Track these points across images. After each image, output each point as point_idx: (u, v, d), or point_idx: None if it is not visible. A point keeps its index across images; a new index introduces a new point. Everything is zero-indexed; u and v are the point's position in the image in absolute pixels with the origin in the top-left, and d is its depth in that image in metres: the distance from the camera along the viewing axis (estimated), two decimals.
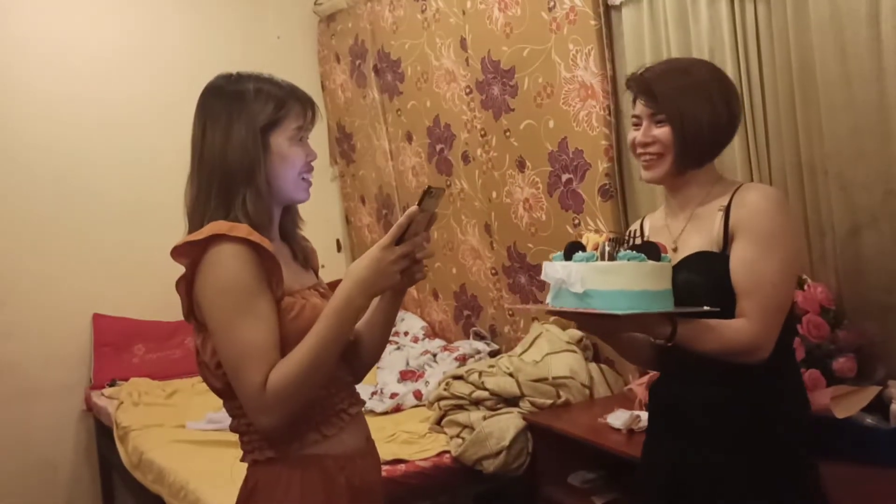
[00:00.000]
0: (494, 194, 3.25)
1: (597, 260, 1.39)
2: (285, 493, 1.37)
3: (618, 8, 2.61)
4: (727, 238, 1.52)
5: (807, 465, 1.56)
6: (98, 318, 3.95)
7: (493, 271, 3.35)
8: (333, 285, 1.39)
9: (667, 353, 1.56)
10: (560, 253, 1.43)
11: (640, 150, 1.60)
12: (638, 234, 1.53)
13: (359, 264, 1.33)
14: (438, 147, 3.58)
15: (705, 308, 1.43)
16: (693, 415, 1.55)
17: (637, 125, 1.61)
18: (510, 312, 3.33)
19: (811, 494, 1.54)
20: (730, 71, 2.23)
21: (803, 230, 2.17)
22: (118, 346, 3.93)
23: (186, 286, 1.35)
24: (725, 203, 1.54)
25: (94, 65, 3.97)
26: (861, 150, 1.97)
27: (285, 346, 1.32)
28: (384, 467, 2.47)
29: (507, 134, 3.12)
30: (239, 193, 1.36)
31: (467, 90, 3.29)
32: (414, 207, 1.31)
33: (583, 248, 1.44)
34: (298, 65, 4.38)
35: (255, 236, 1.31)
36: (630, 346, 1.66)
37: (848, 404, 1.90)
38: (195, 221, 1.38)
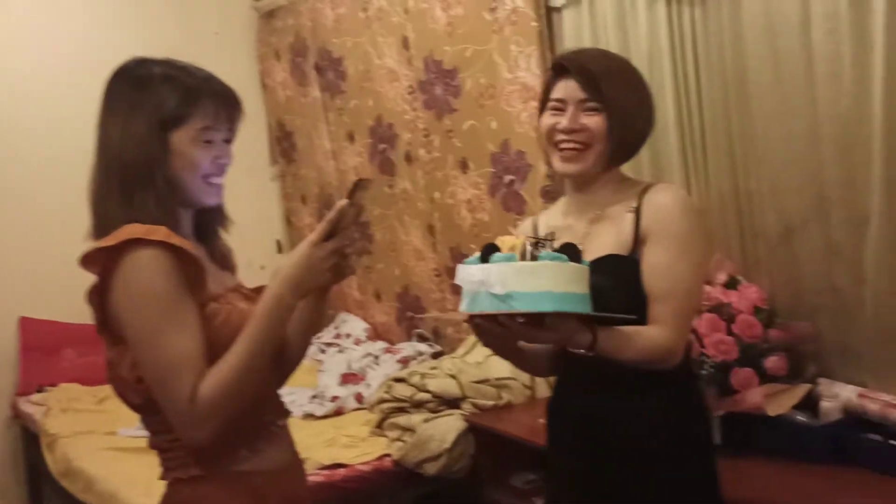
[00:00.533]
0: (437, 195, 3.24)
1: (517, 261, 1.29)
2: None
3: (559, 10, 2.63)
4: (637, 241, 1.48)
5: (714, 467, 1.57)
6: (25, 322, 3.80)
7: (437, 272, 3.34)
8: (260, 290, 1.33)
9: (571, 364, 1.53)
10: (475, 256, 1.32)
11: (562, 138, 1.49)
12: (530, 233, 1.48)
13: (288, 262, 1.26)
14: (381, 147, 3.55)
15: (629, 316, 1.39)
16: (601, 427, 1.51)
17: (559, 110, 1.50)
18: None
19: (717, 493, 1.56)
20: (667, 75, 2.27)
21: (738, 232, 2.22)
22: (46, 351, 3.79)
23: (99, 296, 1.25)
24: (635, 205, 1.50)
25: (17, 63, 3.82)
26: (793, 154, 2.01)
27: (212, 354, 1.24)
28: (323, 472, 2.46)
29: (450, 134, 3.11)
30: (138, 192, 1.26)
31: (410, 90, 3.27)
32: (343, 201, 1.26)
33: (498, 250, 1.32)
34: (237, 62, 4.30)
35: (176, 239, 1.23)
36: (522, 357, 1.57)
37: (779, 402, 1.95)
38: (97, 218, 1.30)
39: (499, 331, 1.32)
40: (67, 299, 3.83)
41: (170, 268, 1.22)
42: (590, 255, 1.45)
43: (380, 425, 2.72)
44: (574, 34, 2.57)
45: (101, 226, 1.28)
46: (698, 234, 1.51)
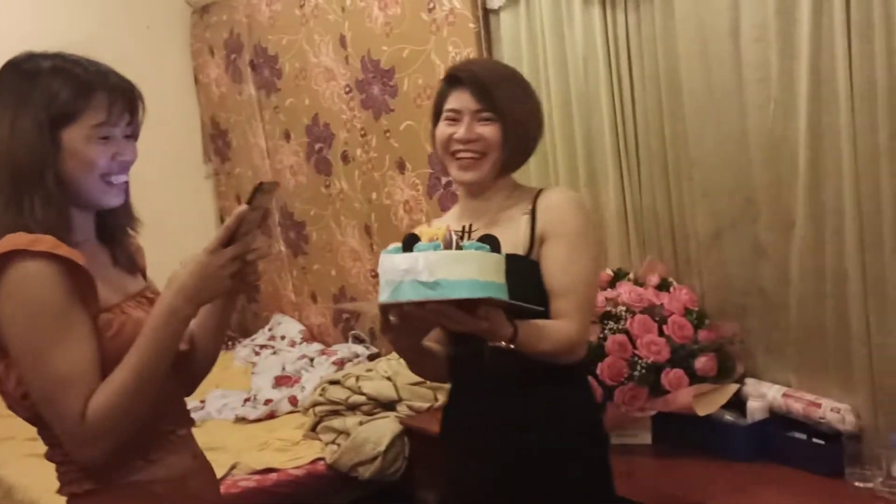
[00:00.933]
0: (374, 195, 3.21)
1: (442, 249, 1.28)
2: None
3: (496, 12, 2.63)
4: (533, 242, 1.53)
5: (609, 459, 1.61)
6: None
7: (374, 273, 3.31)
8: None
9: (467, 367, 1.54)
10: (397, 245, 1.31)
11: (459, 148, 1.53)
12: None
13: (182, 271, 1.19)
14: (317, 146, 3.50)
15: (540, 308, 1.42)
16: (503, 429, 1.52)
17: (454, 120, 1.54)
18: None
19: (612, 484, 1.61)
20: (602, 79, 2.30)
21: (669, 234, 2.25)
22: None
23: None
24: (529, 208, 1.55)
25: None
26: (723, 158, 2.06)
27: (106, 367, 1.18)
28: (255, 477, 2.41)
29: (388, 134, 3.09)
30: (27, 194, 1.18)
31: (347, 89, 3.24)
32: (243, 206, 1.19)
33: (418, 240, 1.32)
34: (169, 57, 4.20)
35: (63, 249, 1.15)
36: (423, 356, 1.56)
37: (708, 402, 1.99)
38: None
39: (423, 319, 1.32)
40: None
41: (57, 280, 1.15)
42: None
43: (314, 428, 2.68)
44: (511, 36, 2.58)
45: None
46: (591, 231, 1.58)
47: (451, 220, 1.63)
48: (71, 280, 1.17)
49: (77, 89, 1.21)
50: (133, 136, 1.29)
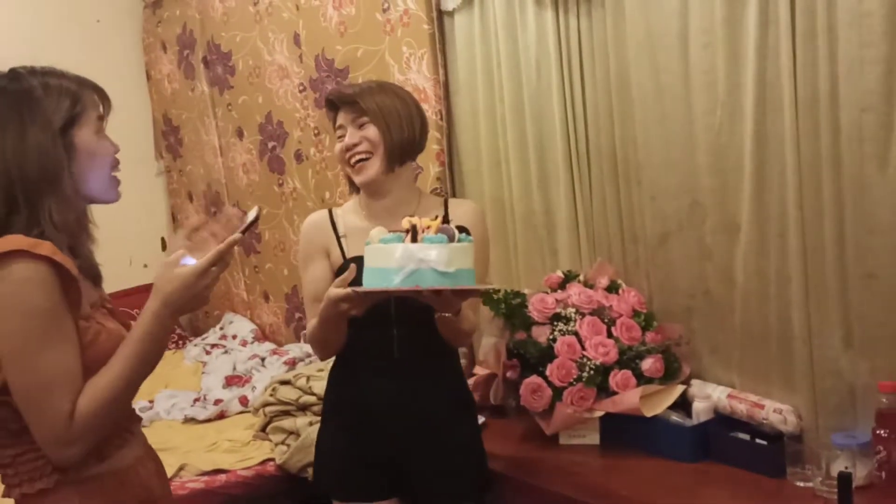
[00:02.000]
0: (328, 194, 3.19)
1: (447, 242, 1.48)
2: None
3: (451, 14, 2.63)
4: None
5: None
6: None
7: None
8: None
9: (375, 344, 1.75)
10: (394, 234, 1.49)
11: (349, 154, 1.76)
12: (331, 226, 1.79)
13: (170, 286, 1.26)
14: (270, 144, 3.47)
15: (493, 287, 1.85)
16: (405, 405, 1.76)
17: (343, 136, 1.78)
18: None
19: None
20: (554, 82, 2.31)
21: (619, 237, 2.28)
22: None
23: None
24: (442, 213, 1.80)
25: None
26: (670, 161, 2.09)
27: (82, 373, 1.23)
28: (203, 478, 2.38)
29: None
30: (44, 204, 1.24)
31: (301, 87, 3.21)
32: (237, 235, 1.30)
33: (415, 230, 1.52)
34: (120, 52, 4.13)
35: (59, 256, 1.21)
36: (338, 330, 1.72)
37: (655, 403, 2.01)
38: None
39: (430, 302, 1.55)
40: None
41: (54, 284, 1.20)
42: None
43: (264, 429, 2.65)
44: (465, 38, 2.59)
45: None
46: (489, 238, 1.92)
47: (354, 218, 1.84)
48: (61, 285, 1.21)
49: (73, 94, 1.29)
50: None
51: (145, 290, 3.76)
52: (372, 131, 1.75)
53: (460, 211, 1.84)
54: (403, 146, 1.78)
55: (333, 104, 1.82)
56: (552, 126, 2.35)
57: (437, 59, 2.66)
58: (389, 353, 1.76)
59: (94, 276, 1.40)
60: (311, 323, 1.75)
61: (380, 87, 1.83)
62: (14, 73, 1.30)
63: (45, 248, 1.20)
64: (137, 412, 1.48)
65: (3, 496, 1.30)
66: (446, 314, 1.63)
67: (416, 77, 2.71)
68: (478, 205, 1.95)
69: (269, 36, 3.32)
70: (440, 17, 2.67)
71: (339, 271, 1.71)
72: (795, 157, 1.82)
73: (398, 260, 1.45)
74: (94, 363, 1.24)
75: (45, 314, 1.19)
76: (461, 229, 1.57)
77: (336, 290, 1.57)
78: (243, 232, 1.31)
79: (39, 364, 1.19)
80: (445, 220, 1.73)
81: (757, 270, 1.95)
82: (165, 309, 1.26)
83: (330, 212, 1.88)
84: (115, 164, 1.35)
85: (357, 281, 1.56)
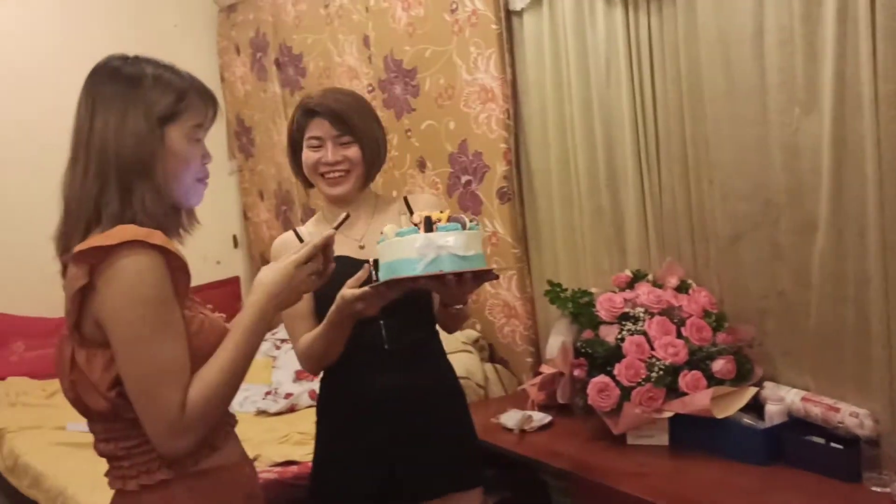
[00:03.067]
0: (395, 193, 3.23)
1: (459, 229, 1.54)
2: None
3: (519, 13, 2.65)
4: None
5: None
6: None
7: None
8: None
9: (367, 339, 1.75)
10: (405, 229, 1.54)
11: (326, 169, 1.78)
12: (300, 243, 1.72)
13: (270, 278, 1.32)
14: None
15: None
16: (409, 395, 1.78)
17: (318, 147, 1.78)
18: None
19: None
20: (623, 81, 2.30)
21: (689, 236, 2.26)
22: None
23: (81, 294, 1.21)
24: (404, 209, 1.83)
25: None
26: (743, 161, 2.06)
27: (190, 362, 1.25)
28: (276, 469, 2.44)
29: (409, 134, 3.11)
30: (137, 189, 1.24)
31: (369, 88, 3.27)
32: (331, 231, 1.40)
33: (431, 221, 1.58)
34: (196, 55, 4.25)
35: (171, 245, 1.23)
36: (343, 335, 1.70)
37: (726, 404, 1.99)
38: (80, 212, 1.25)
39: (448, 288, 1.56)
40: (18, 292, 3.78)
41: (164, 274, 1.21)
42: (371, 249, 1.72)
43: None
44: (533, 37, 2.59)
45: (90, 223, 1.25)
46: None
47: (320, 228, 1.83)
48: (168, 275, 1.22)
49: (180, 91, 1.29)
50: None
51: (218, 286, 3.90)
52: (354, 152, 1.78)
53: (421, 203, 1.86)
54: (377, 166, 1.85)
55: (313, 112, 1.79)
56: (621, 125, 2.34)
57: (504, 58, 2.68)
58: (380, 345, 1.77)
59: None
60: (306, 338, 1.74)
61: (359, 103, 1.84)
62: (133, 58, 1.32)
63: (158, 237, 1.20)
64: None
65: (117, 489, 1.31)
66: (457, 306, 1.69)
67: (484, 77, 2.73)
68: (436, 197, 2.03)
69: (339, 38, 3.39)
70: (508, 17, 2.68)
71: None
72: (876, 156, 1.78)
73: (419, 249, 1.49)
74: (199, 353, 1.25)
75: (159, 304, 1.20)
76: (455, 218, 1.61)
77: (352, 290, 1.57)
78: (336, 228, 1.44)
79: (153, 354, 1.19)
80: (410, 213, 1.79)
81: (834, 271, 1.91)
82: (268, 301, 1.30)
83: (295, 231, 1.89)
84: (202, 172, 1.35)
85: (368, 281, 1.58)
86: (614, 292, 2.23)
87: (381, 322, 1.75)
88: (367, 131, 1.80)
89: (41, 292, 3.90)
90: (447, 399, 1.88)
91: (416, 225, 1.55)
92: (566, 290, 2.26)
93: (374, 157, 1.82)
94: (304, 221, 3.86)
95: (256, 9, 3.96)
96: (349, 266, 1.67)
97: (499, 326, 2.87)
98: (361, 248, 1.82)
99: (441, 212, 1.59)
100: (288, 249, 1.73)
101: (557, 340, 2.27)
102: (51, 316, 3.78)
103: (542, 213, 2.71)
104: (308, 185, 1.88)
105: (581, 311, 2.22)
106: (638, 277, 2.26)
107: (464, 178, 2.89)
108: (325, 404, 1.90)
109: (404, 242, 1.51)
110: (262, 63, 3.99)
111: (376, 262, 1.58)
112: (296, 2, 3.64)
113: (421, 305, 1.79)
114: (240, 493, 1.37)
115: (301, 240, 1.81)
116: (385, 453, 1.79)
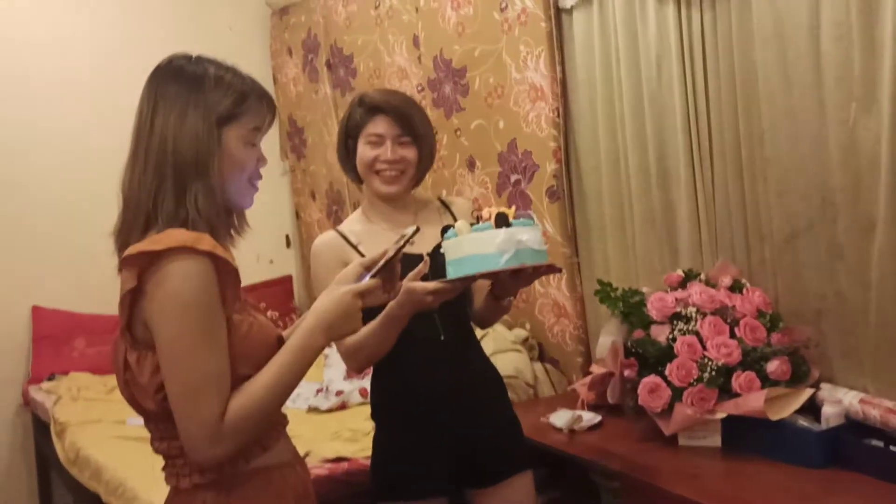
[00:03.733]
0: (444, 192, 3.25)
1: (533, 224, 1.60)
2: None
3: (569, 11, 2.64)
4: None
5: None
6: (37, 311, 3.85)
7: None
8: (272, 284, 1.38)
9: (421, 334, 1.77)
10: (480, 224, 1.57)
11: (383, 167, 1.81)
12: (343, 240, 1.84)
13: (326, 307, 1.30)
14: None
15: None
16: (455, 385, 1.84)
17: (377, 143, 1.81)
18: None
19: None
20: (675, 78, 2.28)
21: (743, 235, 2.22)
22: (58, 340, 3.84)
23: (132, 297, 1.22)
24: (444, 210, 1.94)
25: (32, 51, 3.87)
26: (799, 158, 2.02)
27: (234, 365, 1.25)
28: (327, 465, 2.47)
29: (458, 133, 3.12)
30: (191, 188, 1.25)
31: (419, 88, 3.29)
32: (391, 254, 1.39)
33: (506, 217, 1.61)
34: (250, 57, 4.26)
35: (219, 250, 1.23)
36: (398, 331, 1.69)
37: (781, 406, 1.95)
38: (139, 209, 1.27)
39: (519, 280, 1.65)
40: (79, 290, 3.91)
41: (211, 280, 1.21)
42: (424, 249, 1.77)
43: None
44: (583, 35, 2.58)
45: (149, 220, 1.27)
46: None
47: (364, 225, 1.89)
48: (218, 280, 1.23)
49: (240, 94, 1.31)
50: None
51: (272, 284, 3.98)
52: (412, 152, 1.83)
53: (462, 208, 1.95)
54: (428, 169, 1.92)
55: (377, 109, 1.81)
56: (673, 122, 2.32)
57: (554, 56, 2.67)
58: (436, 336, 1.81)
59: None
60: (352, 336, 1.69)
61: (417, 107, 1.89)
62: (196, 58, 1.33)
63: (206, 242, 1.21)
64: None
65: (172, 485, 1.34)
66: (510, 298, 1.77)
67: (534, 75, 2.73)
68: (469, 201, 2.14)
69: (389, 38, 3.41)
70: (558, 15, 2.67)
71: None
72: None
73: (500, 244, 1.53)
74: (245, 356, 1.26)
75: (203, 311, 1.20)
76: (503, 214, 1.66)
77: (423, 284, 1.56)
78: (405, 242, 1.42)
79: (194, 361, 1.19)
80: (452, 217, 1.90)
81: (893, 270, 1.86)
82: (319, 328, 1.28)
83: (338, 230, 1.90)
84: (256, 175, 1.36)
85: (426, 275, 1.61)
86: (666, 291, 2.20)
87: (436, 314, 1.77)
88: (425, 134, 1.86)
89: (101, 290, 4.02)
90: (494, 386, 1.96)
91: (486, 221, 1.58)
92: (617, 289, 2.24)
93: (428, 160, 1.88)
94: None
95: (308, 11, 4.02)
96: (411, 262, 1.66)
97: (549, 326, 2.86)
98: (412, 245, 1.84)
99: (510, 207, 1.64)
100: (331, 250, 1.84)
101: (607, 340, 2.25)
102: (111, 313, 3.91)
103: (592, 211, 2.70)
104: (357, 180, 1.90)
105: (632, 310, 2.20)
106: (690, 277, 2.23)
107: (513, 178, 2.89)
108: (382, 400, 1.93)
109: (484, 237, 1.55)
110: (313, 64, 4.05)
111: (430, 255, 1.65)
112: (346, 3, 3.68)
113: (465, 297, 1.84)
114: (290, 493, 1.37)
115: (348, 241, 1.84)
116: (449, 444, 1.83)
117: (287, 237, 4.55)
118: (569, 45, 2.66)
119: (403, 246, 1.41)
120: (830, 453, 1.89)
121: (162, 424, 1.29)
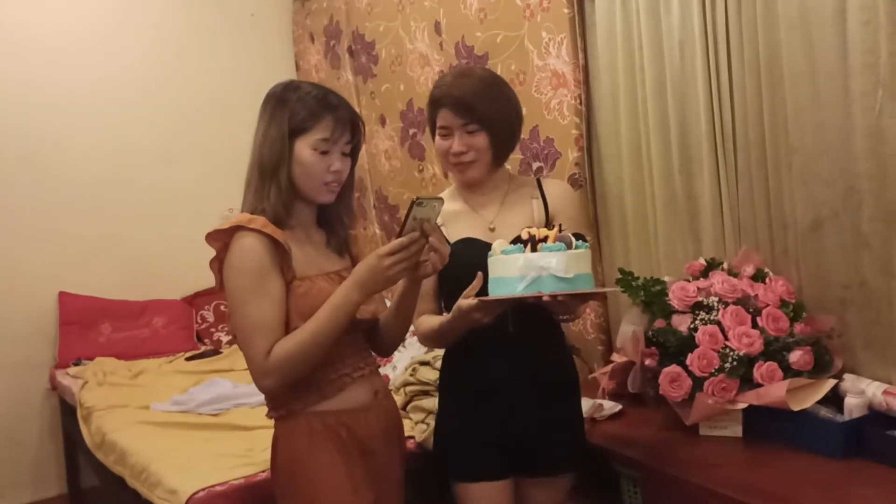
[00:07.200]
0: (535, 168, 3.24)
1: (565, 249, 1.57)
2: (296, 442, 1.65)
3: None
4: (548, 220, 1.88)
5: None
6: (64, 297, 3.91)
7: None
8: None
9: (491, 330, 1.76)
10: (510, 247, 1.59)
11: (454, 159, 1.82)
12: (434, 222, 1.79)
13: (360, 268, 1.54)
14: (411, 131, 3.56)
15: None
16: (520, 377, 1.86)
17: (446, 136, 1.82)
18: None
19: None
20: (699, 64, 2.25)
21: (766, 223, 2.20)
22: (84, 325, 3.89)
23: (219, 265, 1.60)
24: (536, 193, 1.90)
25: (62, 43, 3.91)
26: (824, 145, 1.99)
27: (292, 319, 1.58)
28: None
29: None
30: (267, 186, 1.60)
31: (441, 74, 3.28)
32: (415, 233, 1.50)
33: (534, 239, 1.61)
34: (272, 43, 4.35)
35: (269, 228, 1.56)
36: (458, 335, 1.80)
37: (803, 397, 1.93)
38: (245, 201, 1.64)
39: (552, 308, 1.61)
40: (105, 276, 3.96)
41: (262, 249, 1.56)
42: (502, 229, 1.84)
43: (404, 407, 2.74)
44: (606, 21, 2.56)
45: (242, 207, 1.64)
46: (584, 219, 2.10)
47: (454, 204, 1.91)
48: (273, 251, 1.57)
49: (313, 110, 1.61)
50: (351, 154, 1.69)
51: None
52: (481, 140, 1.80)
53: (556, 191, 1.92)
54: (508, 149, 1.87)
55: (437, 103, 1.83)
56: (696, 109, 2.29)
57: (576, 43, 2.65)
58: (504, 327, 1.80)
59: (340, 249, 1.75)
60: (424, 320, 1.87)
61: (488, 87, 1.81)
62: (294, 85, 1.66)
63: (258, 222, 1.56)
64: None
65: (267, 416, 1.72)
66: (566, 316, 1.74)
67: (556, 62, 2.71)
68: (568, 184, 2.05)
69: (411, 25, 3.41)
70: (580, 1, 2.65)
71: None
72: None
73: (520, 269, 1.55)
74: (302, 311, 1.58)
75: (255, 274, 1.55)
76: (578, 236, 1.65)
77: (468, 301, 1.65)
78: (405, 218, 1.50)
79: (245, 312, 1.55)
80: (544, 200, 1.88)
81: None
82: (353, 285, 1.54)
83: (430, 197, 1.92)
84: (329, 177, 1.63)
85: (483, 290, 1.64)
86: (687, 281, 2.19)
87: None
88: (495, 116, 1.80)
89: (127, 276, 4.08)
90: (564, 382, 1.95)
91: (523, 241, 1.59)
92: (638, 278, 2.23)
93: (503, 141, 1.84)
94: (376, 208, 3.96)
95: None
96: (477, 249, 1.78)
97: None
98: (492, 230, 1.87)
99: (552, 227, 1.64)
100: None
101: (628, 329, 2.24)
102: (136, 299, 3.96)
103: (614, 199, 2.68)
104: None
105: (653, 299, 2.19)
106: (712, 266, 2.22)
107: (535, 165, 2.88)
108: (447, 383, 1.99)
109: (508, 261, 1.57)
110: (335, 51, 4.05)
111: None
112: None
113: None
114: (347, 435, 1.66)
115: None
116: (507, 432, 1.86)
117: None
118: (591, 31, 2.64)
119: (412, 207, 1.48)
120: (853, 444, 1.87)
121: None
